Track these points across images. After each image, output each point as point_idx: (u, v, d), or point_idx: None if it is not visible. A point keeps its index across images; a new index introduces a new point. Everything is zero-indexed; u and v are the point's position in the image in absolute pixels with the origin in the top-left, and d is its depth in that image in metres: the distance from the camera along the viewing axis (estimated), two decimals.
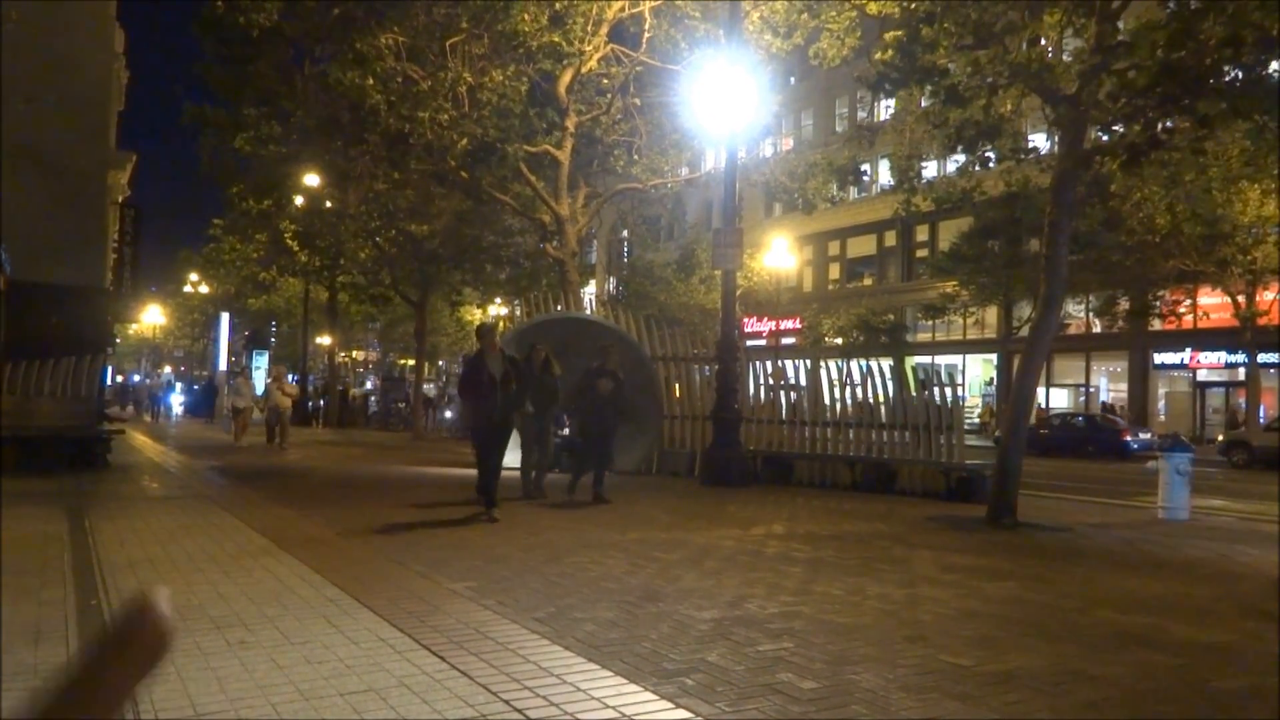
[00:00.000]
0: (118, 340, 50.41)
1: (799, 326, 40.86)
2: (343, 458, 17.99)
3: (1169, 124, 8.98)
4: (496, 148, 17.05)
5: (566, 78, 18.39)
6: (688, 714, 3.49)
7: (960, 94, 9.90)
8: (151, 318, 59.26)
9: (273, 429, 19.99)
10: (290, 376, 23.40)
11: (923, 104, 11.43)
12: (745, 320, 39.52)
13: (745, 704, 3.63)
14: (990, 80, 9.68)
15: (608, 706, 3.55)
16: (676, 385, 15.05)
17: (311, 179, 24.26)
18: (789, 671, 4.07)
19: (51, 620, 4.67)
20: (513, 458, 10.02)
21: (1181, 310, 28.94)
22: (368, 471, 14.90)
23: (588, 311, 19.23)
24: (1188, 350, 31.44)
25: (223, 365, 62.19)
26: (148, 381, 52.39)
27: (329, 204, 25.97)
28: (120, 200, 25.35)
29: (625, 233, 45.44)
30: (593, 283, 49.10)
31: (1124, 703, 3.79)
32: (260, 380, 30.60)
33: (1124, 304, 30.12)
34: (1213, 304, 29.37)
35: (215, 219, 39.11)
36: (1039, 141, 13.63)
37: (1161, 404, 33.41)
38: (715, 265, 15.22)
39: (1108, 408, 32.36)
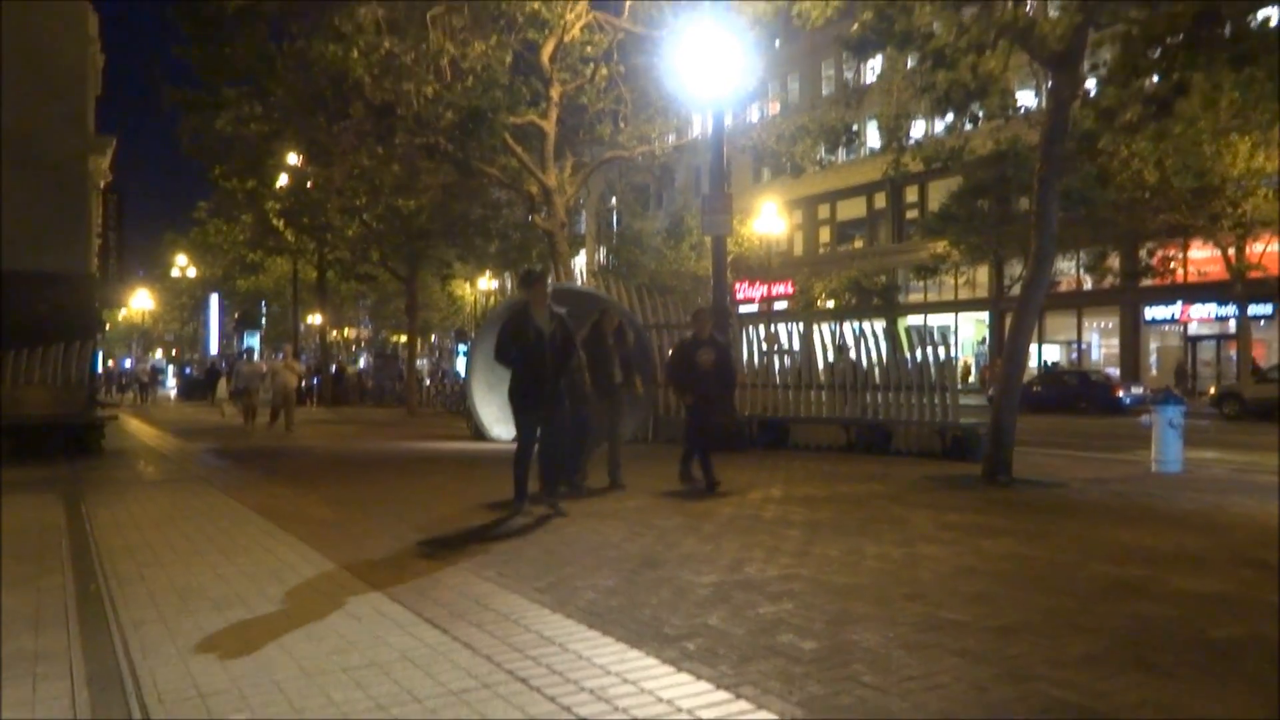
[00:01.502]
0: (107, 326, 50.19)
1: (791, 291, 40.86)
2: (338, 436, 17.97)
3: (1178, 78, 8.89)
4: (485, 116, 16.85)
5: (549, 46, 18.18)
6: (690, 677, 3.51)
7: (946, 56, 9.82)
8: (140, 302, 59.00)
9: (278, 410, 19.45)
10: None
11: (909, 65, 11.36)
12: (737, 286, 39.55)
13: (747, 666, 3.65)
14: (977, 42, 9.61)
15: (610, 673, 3.57)
16: (670, 353, 15.03)
17: (294, 157, 24.04)
18: (790, 633, 4.10)
19: (51, 607, 4.66)
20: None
21: (1172, 265, 29.00)
22: (363, 449, 14.89)
23: (578, 282, 19.15)
24: (1179, 304, 31.53)
25: (214, 348, 62.01)
26: (138, 367, 52.32)
27: (313, 182, 25.76)
28: (102, 186, 25.10)
29: (614, 202, 45.27)
30: (583, 253, 48.91)
31: (1122, 654, 3.82)
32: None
33: (1114, 260, 30.15)
34: (1203, 258, 29.41)
35: (200, 201, 38.91)
36: (1027, 98, 13.56)
37: (1153, 358, 33.55)
38: (705, 232, 15.16)
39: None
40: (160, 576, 5.32)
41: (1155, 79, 8.91)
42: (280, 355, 20.43)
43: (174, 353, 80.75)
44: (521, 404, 7.38)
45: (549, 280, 7.77)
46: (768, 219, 35.00)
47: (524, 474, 7.48)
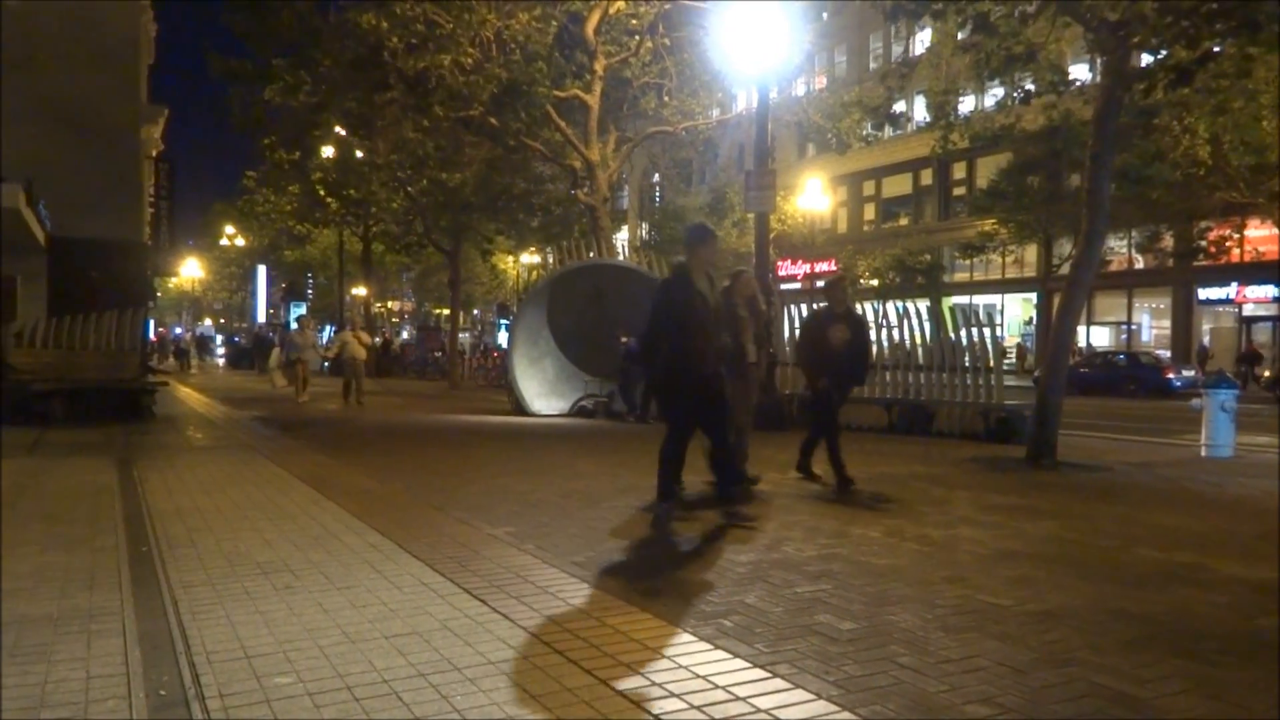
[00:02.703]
0: (159, 294, 51.17)
1: (834, 269, 40.45)
2: (384, 408, 18.19)
3: (1216, 48, 8.67)
4: (523, 90, 16.86)
5: (594, 18, 18.10)
6: (726, 654, 3.52)
7: (990, 22, 9.63)
8: (190, 271, 60.01)
9: (349, 384, 18.64)
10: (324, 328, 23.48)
11: (960, 36, 11.15)
12: (779, 263, 39.24)
13: (784, 645, 3.65)
14: (1019, 9, 9.43)
15: (647, 648, 3.59)
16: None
17: (341, 129, 24.23)
18: (827, 613, 4.09)
19: (105, 567, 4.80)
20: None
21: (1227, 245, 28.26)
22: (408, 421, 15.08)
23: (621, 258, 19.13)
24: (1233, 285, 30.74)
25: (261, 317, 62.96)
26: (188, 335, 53.37)
27: (359, 153, 25.98)
28: (154, 155, 25.52)
29: (656, 177, 45.06)
30: (625, 229, 48.83)
31: (1166, 640, 3.76)
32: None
33: (1168, 239, 29.44)
34: (1260, 236, 28.61)
35: (248, 171, 39.35)
36: (1080, 73, 13.25)
37: (1206, 340, 32.80)
38: (748, 208, 15.04)
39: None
40: (209, 540, 5.45)
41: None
42: (340, 328, 20.45)
43: (222, 321, 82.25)
44: (677, 387, 6.05)
45: (687, 261, 6.23)
46: (812, 195, 34.64)
47: (672, 471, 6.30)
